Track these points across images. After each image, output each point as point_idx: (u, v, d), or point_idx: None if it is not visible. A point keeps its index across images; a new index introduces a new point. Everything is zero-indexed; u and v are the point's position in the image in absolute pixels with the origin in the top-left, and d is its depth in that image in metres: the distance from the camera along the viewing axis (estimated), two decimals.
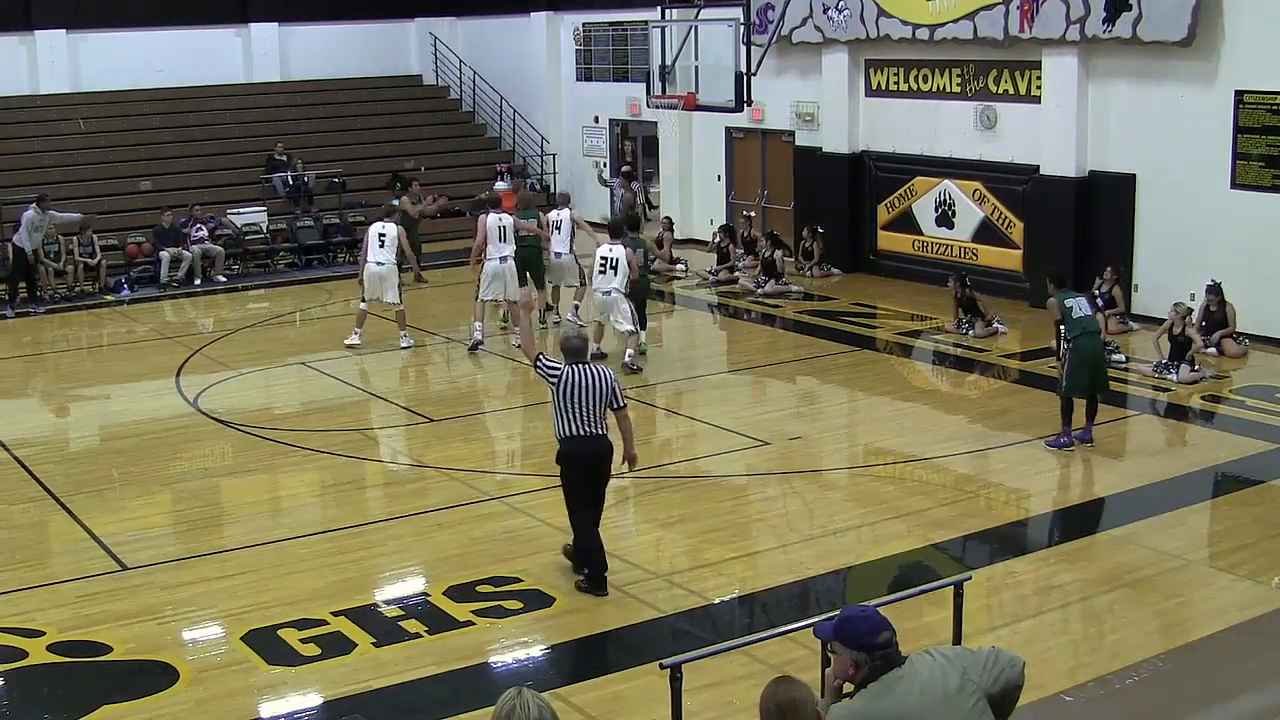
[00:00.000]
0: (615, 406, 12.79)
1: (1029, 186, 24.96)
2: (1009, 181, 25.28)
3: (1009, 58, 24.74)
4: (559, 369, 12.63)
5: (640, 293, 21.60)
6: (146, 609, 12.84)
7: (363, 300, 22.82)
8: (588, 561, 12.89)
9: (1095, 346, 16.84)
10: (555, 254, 23.47)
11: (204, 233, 30.19)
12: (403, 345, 22.75)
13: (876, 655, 6.44)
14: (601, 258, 20.87)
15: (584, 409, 12.60)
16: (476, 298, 22.69)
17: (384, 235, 22.62)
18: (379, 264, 22.47)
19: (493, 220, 22.51)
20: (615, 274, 20.67)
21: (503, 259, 22.44)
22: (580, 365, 12.70)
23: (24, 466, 17.38)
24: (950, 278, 23.62)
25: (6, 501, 16.17)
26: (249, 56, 38.29)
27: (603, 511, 13.15)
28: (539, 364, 12.75)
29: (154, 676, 11.42)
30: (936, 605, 11.06)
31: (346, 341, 22.84)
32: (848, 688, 6.57)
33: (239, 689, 11.20)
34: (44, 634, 12.30)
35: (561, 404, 12.61)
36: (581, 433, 12.64)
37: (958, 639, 9.89)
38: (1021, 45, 24.28)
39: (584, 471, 12.80)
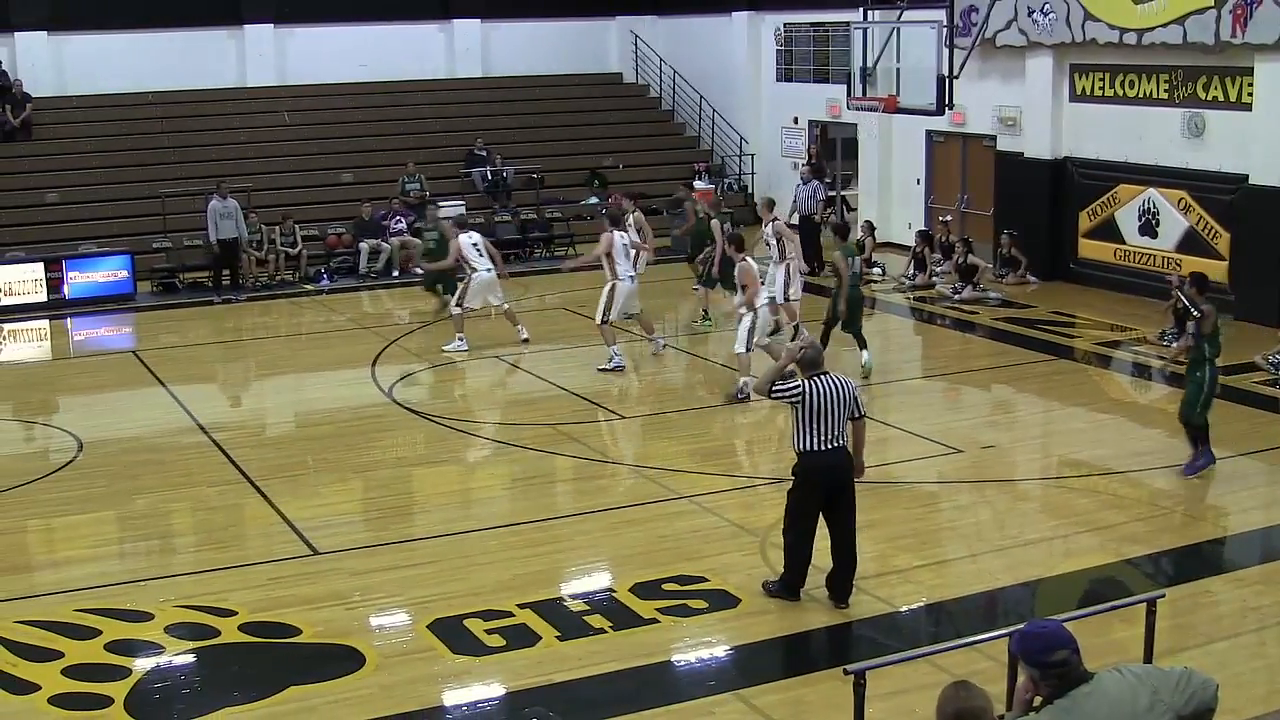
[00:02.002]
0: (857, 415, 12.53)
1: (1237, 196, 24.35)
2: (1216, 191, 24.68)
3: (1219, 63, 24.16)
4: (798, 385, 12.36)
5: (853, 304, 20.94)
6: (335, 594, 13.09)
7: (459, 306, 22.79)
8: (800, 572, 12.67)
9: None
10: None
11: (403, 225, 30.68)
12: (521, 338, 23.03)
13: (1051, 673, 6.35)
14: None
15: (829, 421, 12.29)
16: (602, 320, 21.49)
17: (477, 244, 22.87)
18: (487, 270, 22.65)
19: (618, 239, 21.77)
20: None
21: (633, 278, 21.69)
22: (822, 376, 12.42)
23: (221, 450, 17.84)
24: (1173, 287, 23.02)
25: (203, 484, 16.61)
26: (451, 52, 38.85)
27: (855, 528, 12.68)
28: (774, 393, 12.56)
29: (341, 660, 11.64)
30: (1127, 622, 10.85)
31: (447, 347, 22.82)
32: (1037, 701, 6.48)
33: (423, 676, 11.37)
34: (236, 614, 12.61)
35: (807, 418, 12.29)
36: (827, 447, 12.31)
37: (1148, 657, 9.69)
38: (1233, 50, 23.69)
39: (827, 487, 12.42)
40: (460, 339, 22.56)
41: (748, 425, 19.41)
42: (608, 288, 21.39)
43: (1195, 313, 15.78)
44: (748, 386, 19.06)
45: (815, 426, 12.24)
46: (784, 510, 12.72)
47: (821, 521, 12.53)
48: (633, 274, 21.80)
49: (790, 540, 12.65)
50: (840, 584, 12.52)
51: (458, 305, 22.60)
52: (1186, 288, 16.47)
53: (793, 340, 20.28)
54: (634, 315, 22.09)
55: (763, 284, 20.45)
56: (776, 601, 12.65)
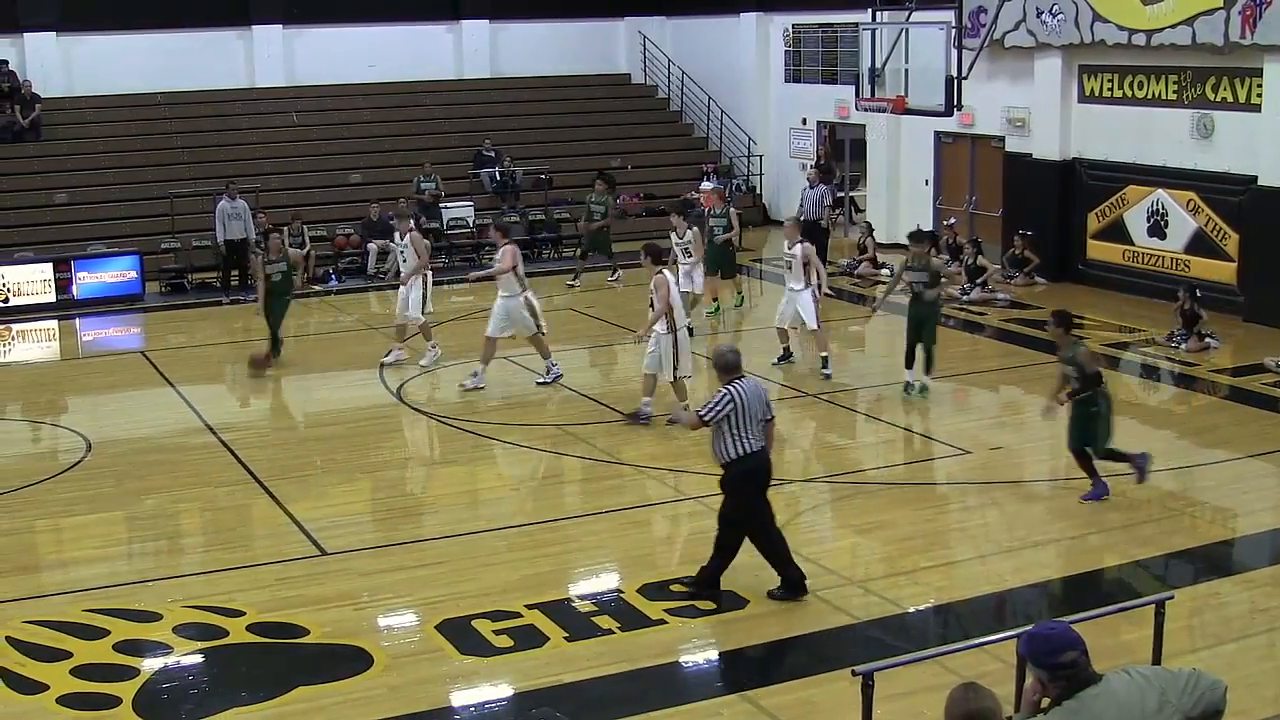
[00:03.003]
0: (768, 416, 12.65)
1: (1245, 198, 24.31)
2: (1225, 192, 24.64)
3: (1228, 64, 24.12)
4: (726, 394, 12.36)
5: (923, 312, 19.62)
6: (343, 594, 13.11)
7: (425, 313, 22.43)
8: (787, 568, 12.74)
9: None
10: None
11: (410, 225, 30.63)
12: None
13: (1059, 675, 6.34)
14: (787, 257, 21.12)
15: (754, 422, 12.44)
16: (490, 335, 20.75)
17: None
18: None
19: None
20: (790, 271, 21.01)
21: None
22: (742, 379, 12.55)
23: (230, 450, 17.87)
24: (1181, 289, 23.01)
25: (211, 484, 16.63)
26: (459, 53, 38.87)
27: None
28: (708, 417, 12.39)
29: (349, 661, 11.66)
30: (1136, 624, 10.85)
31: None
32: (1045, 703, 6.47)
33: (431, 677, 11.38)
34: (244, 614, 12.63)
35: (737, 423, 12.34)
36: (754, 449, 12.45)
37: (1157, 659, 9.68)
38: (1242, 51, 23.65)
39: (761, 487, 12.65)
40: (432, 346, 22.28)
41: None
42: (521, 300, 20.64)
43: (1071, 366, 15.32)
44: (648, 408, 18.54)
45: (743, 430, 12.37)
46: (723, 523, 12.76)
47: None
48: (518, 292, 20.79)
49: (732, 542, 12.72)
50: (790, 565, 12.71)
51: (422, 312, 22.17)
52: (1052, 327, 15.91)
53: (824, 369, 20.74)
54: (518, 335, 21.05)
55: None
56: (784, 603, 12.65)
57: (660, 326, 18.24)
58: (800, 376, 21.83)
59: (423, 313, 22.06)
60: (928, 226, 30.35)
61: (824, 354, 20.90)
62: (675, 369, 18.24)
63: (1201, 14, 24.01)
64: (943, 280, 19.90)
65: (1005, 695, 8.83)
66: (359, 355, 23.04)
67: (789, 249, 21.04)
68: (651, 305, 18.36)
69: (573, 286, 28.48)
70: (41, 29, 34.14)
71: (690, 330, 23.18)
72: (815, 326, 20.70)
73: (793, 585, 12.67)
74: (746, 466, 12.43)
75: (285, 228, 29.71)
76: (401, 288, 22.10)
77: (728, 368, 12.62)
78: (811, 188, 29.38)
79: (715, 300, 25.66)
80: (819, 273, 21.33)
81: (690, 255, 23.81)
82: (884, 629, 12.25)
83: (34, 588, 13.56)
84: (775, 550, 12.72)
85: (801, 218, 28.54)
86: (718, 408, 12.29)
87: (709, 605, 12.66)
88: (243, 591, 13.20)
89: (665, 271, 18.81)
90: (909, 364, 19.67)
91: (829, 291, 22.52)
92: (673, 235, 23.95)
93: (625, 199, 35.22)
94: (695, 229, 24.29)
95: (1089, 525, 14.64)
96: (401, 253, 22.32)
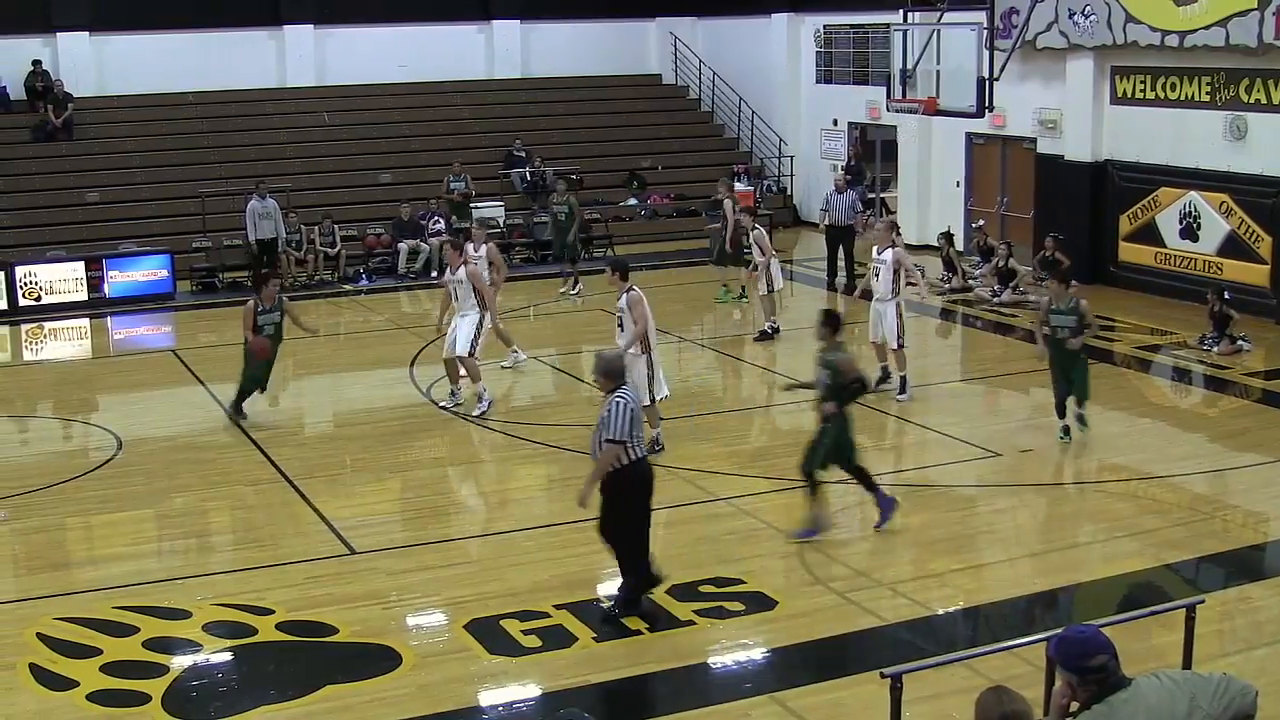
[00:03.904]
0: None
1: (1278, 200, 24.18)
2: (1258, 194, 24.51)
3: (1262, 66, 23.98)
4: (620, 401, 12.09)
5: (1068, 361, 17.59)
6: (372, 593, 13.13)
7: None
8: (646, 583, 12.56)
9: None
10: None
11: (441, 225, 30.76)
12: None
13: (1089, 678, 6.32)
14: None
15: (639, 427, 12.29)
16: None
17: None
18: None
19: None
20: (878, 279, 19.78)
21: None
22: (624, 386, 12.38)
23: (260, 449, 17.92)
24: (1210, 290, 22.92)
25: (242, 482, 16.69)
26: (490, 53, 38.91)
27: None
28: (619, 439, 12.03)
29: (377, 660, 11.67)
30: (1166, 628, 10.80)
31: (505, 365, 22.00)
32: (1074, 707, 6.45)
33: (460, 676, 11.39)
34: (273, 612, 12.67)
35: (633, 430, 12.15)
36: (643, 454, 12.33)
37: (1187, 663, 9.63)
38: (1276, 53, 23.50)
39: (646, 494, 12.46)
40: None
41: (786, 428, 19.39)
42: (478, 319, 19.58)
43: (827, 370, 14.49)
44: (661, 437, 17.26)
45: (636, 433, 12.18)
46: (618, 525, 12.42)
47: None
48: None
49: (636, 547, 12.49)
50: (650, 577, 12.61)
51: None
52: (818, 326, 14.94)
53: (900, 393, 19.57)
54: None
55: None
56: (813, 604, 12.64)
57: (634, 348, 16.88)
58: None
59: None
60: (958, 229, 30.31)
61: (902, 374, 19.64)
62: (651, 392, 16.96)
63: (1235, 15, 23.88)
64: (1089, 326, 17.51)
65: (1034, 699, 8.79)
66: (389, 355, 23.07)
67: (878, 254, 19.85)
68: (620, 325, 17.19)
69: (564, 294, 28.22)
70: (74, 29, 34.29)
71: (777, 330, 23.34)
72: (896, 346, 19.56)
73: (633, 602, 12.46)
74: (640, 470, 12.25)
75: (317, 226, 29.83)
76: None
77: (615, 375, 12.36)
78: (840, 192, 29.02)
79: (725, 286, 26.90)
80: (915, 277, 20.41)
81: (759, 255, 23.70)
82: (913, 631, 12.22)
83: (64, 585, 13.60)
84: (642, 558, 12.52)
85: (828, 222, 28.58)
86: (624, 420, 12.00)
87: (738, 606, 12.65)
88: (272, 590, 13.24)
89: (636, 288, 17.32)
90: (1060, 413, 17.63)
91: (919, 291, 21.66)
92: (742, 239, 23.95)
93: (655, 199, 35.25)
94: (760, 229, 24.24)
95: (1119, 528, 14.58)
96: (476, 263, 21.65)
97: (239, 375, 19.14)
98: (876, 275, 19.75)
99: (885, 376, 19.85)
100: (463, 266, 19.62)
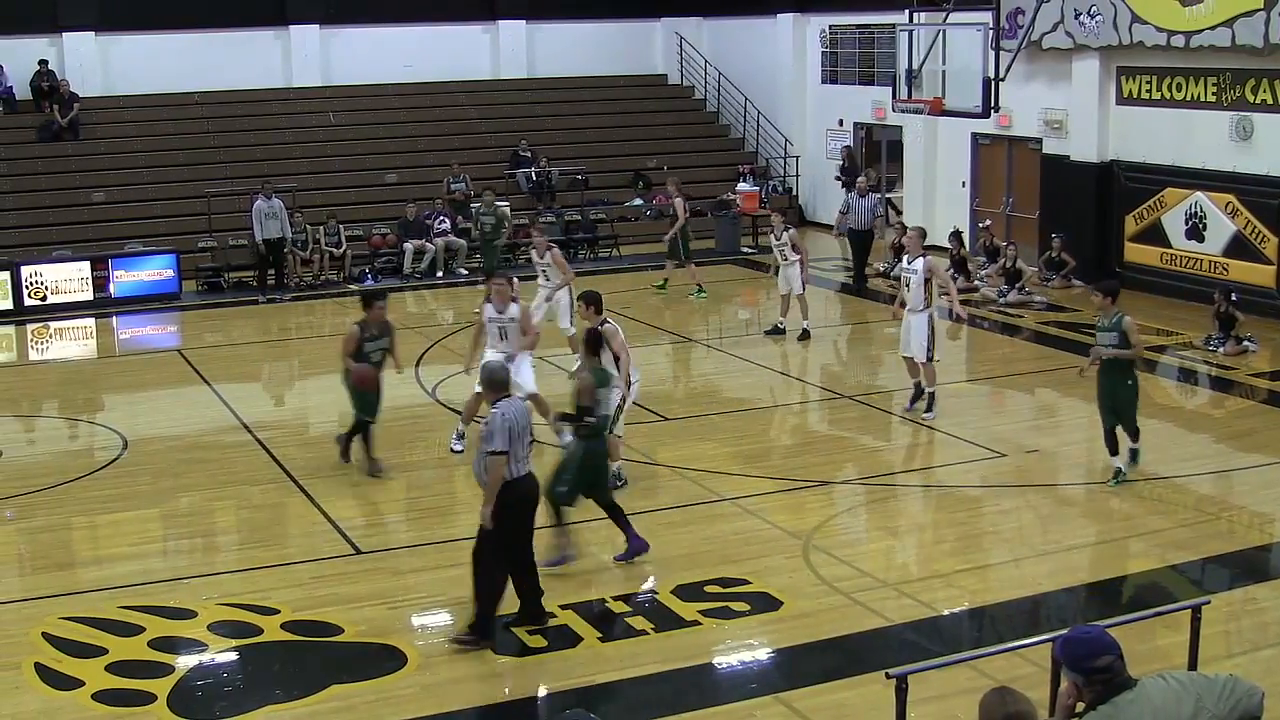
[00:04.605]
0: (531, 439, 12.05)
1: None
2: (1264, 195, 24.49)
3: (1268, 66, 23.96)
4: (499, 413, 11.64)
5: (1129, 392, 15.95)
6: (378, 593, 13.13)
7: None
8: (493, 606, 11.95)
9: None
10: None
11: (446, 225, 30.79)
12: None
13: (1095, 679, 6.31)
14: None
15: (521, 445, 11.80)
16: None
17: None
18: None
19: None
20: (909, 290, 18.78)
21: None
22: (509, 400, 11.95)
23: (265, 448, 17.94)
24: (1216, 291, 22.90)
25: (247, 482, 16.69)
26: (496, 53, 38.92)
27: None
28: (496, 451, 11.56)
29: (382, 660, 11.68)
30: (1172, 629, 10.79)
31: None
32: (1080, 708, 6.45)
33: (465, 676, 11.40)
34: (278, 612, 12.67)
35: (514, 444, 11.68)
36: (522, 473, 11.83)
37: (1193, 664, 9.61)
38: None
39: (529, 513, 12.07)
40: None
41: (792, 428, 19.41)
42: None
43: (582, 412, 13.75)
44: (622, 472, 16.04)
45: (515, 451, 11.68)
46: (496, 545, 11.92)
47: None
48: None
49: (498, 577, 11.93)
50: (535, 601, 12.23)
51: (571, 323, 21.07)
52: (584, 345, 14.56)
53: (927, 410, 18.68)
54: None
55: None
56: (818, 604, 12.63)
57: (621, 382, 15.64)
58: (835, 377, 21.84)
59: (570, 323, 21.13)
60: (964, 228, 30.26)
61: (930, 390, 18.68)
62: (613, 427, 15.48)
63: (1241, 15, 23.86)
64: (1132, 346, 15.62)
65: (1040, 699, 8.79)
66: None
67: (909, 263, 18.82)
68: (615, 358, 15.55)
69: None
70: (80, 29, 34.32)
71: (807, 333, 23.29)
72: (925, 360, 18.58)
73: (484, 631, 11.91)
74: (517, 492, 11.79)
75: (322, 226, 29.85)
76: (547, 302, 21.52)
77: (498, 385, 11.96)
78: (862, 196, 28.57)
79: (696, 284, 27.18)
80: (951, 289, 19.41)
81: (786, 257, 23.53)
82: (918, 632, 12.22)
83: (70, 584, 13.61)
84: (500, 592, 11.99)
85: (850, 226, 28.44)
86: (502, 433, 11.55)
87: (744, 606, 12.63)
88: (277, 589, 13.24)
89: (611, 320, 16.09)
90: (1110, 448, 16.10)
91: (961, 314, 20.35)
92: (770, 235, 23.89)
93: (660, 199, 35.22)
94: (793, 229, 24.18)
95: (1124, 529, 14.58)
96: (545, 271, 21.46)
97: (349, 410, 17.36)
98: (908, 286, 18.74)
99: (919, 394, 19.00)
100: (513, 304, 17.56)
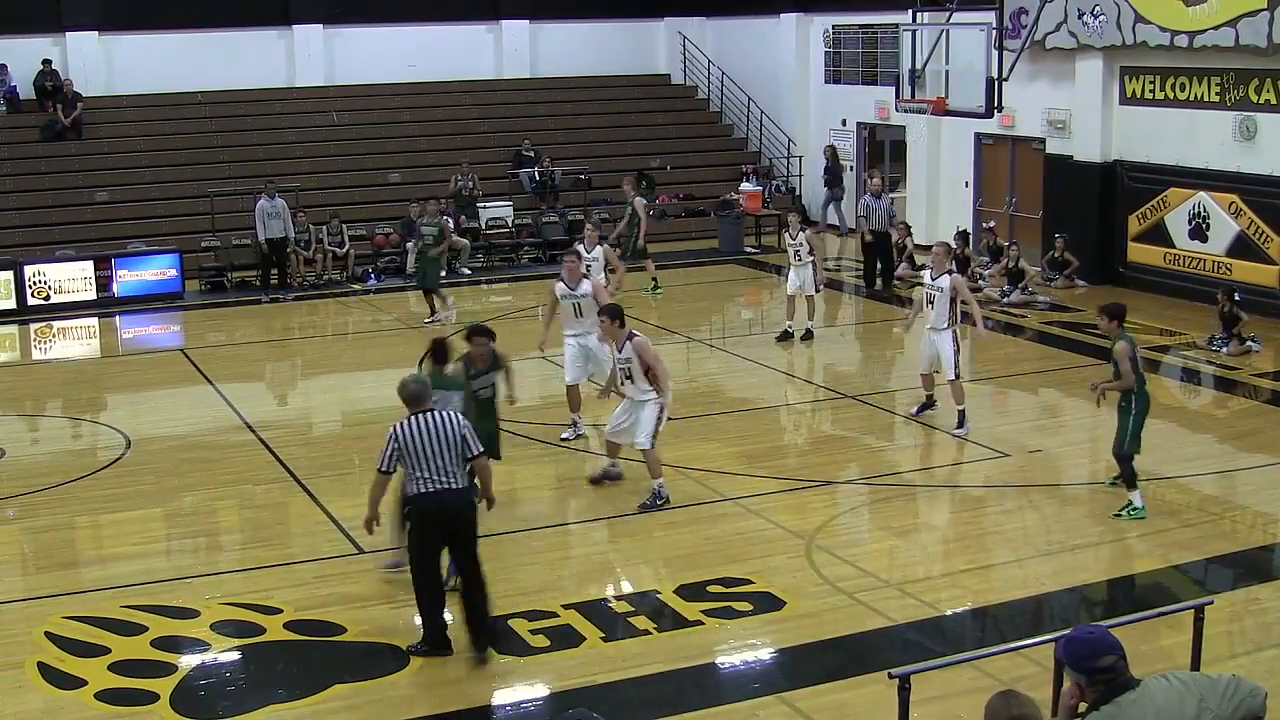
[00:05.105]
0: (470, 454, 11.56)
1: None
2: (1267, 195, 24.47)
3: (1272, 66, 23.95)
4: (390, 433, 11.51)
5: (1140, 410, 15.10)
6: (380, 593, 13.12)
7: None
8: (431, 617, 11.77)
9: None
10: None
11: (450, 225, 30.77)
12: None
13: (1098, 679, 6.31)
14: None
15: (432, 461, 11.38)
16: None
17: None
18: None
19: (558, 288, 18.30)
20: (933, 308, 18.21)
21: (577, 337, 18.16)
22: (417, 416, 11.54)
23: (268, 448, 17.94)
24: (1220, 290, 22.89)
25: (250, 481, 16.70)
26: (499, 53, 38.93)
27: (481, 565, 11.82)
28: (379, 469, 11.59)
29: (384, 660, 11.68)
30: (1175, 629, 10.78)
31: None
32: (1082, 708, 6.44)
33: (467, 676, 11.40)
34: (281, 612, 12.68)
35: (411, 463, 11.42)
36: (431, 489, 11.42)
37: (1196, 665, 9.61)
38: None
39: (441, 529, 11.61)
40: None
41: (794, 428, 19.40)
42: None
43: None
44: (664, 489, 15.37)
45: (418, 469, 11.41)
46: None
47: None
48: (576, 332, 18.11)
49: (421, 592, 11.72)
50: (474, 629, 11.73)
51: None
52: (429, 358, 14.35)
53: (959, 426, 18.05)
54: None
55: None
56: (821, 604, 12.63)
57: (649, 392, 15.31)
58: (839, 376, 21.82)
59: None
60: (967, 227, 30.25)
61: (960, 408, 18.07)
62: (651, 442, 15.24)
63: (1244, 15, 23.85)
64: (1122, 374, 14.87)
65: (1043, 699, 8.79)
66: (397, 354, 23.03)
67: (933, 279, 18.20)
68: (629, 376, 15.36)
69: (430, 323, 25.40)
70: (83, 28, 34.35)
71: (810, 333, 23.26)
72: (954, 376, 18.01)
73: (438, 642, 11.75)
74: (420, 508, 11.52)
75: (325, 226, 29.87)
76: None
77: (408, 399, 11.69)
78: (877, 198, 28.26)
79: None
80: (974, 309, 18.43)
81: (800, 258, 23.25)
82: (921, 632, 12.21)
83: (73, 584, 13.61)
84: (433, 602, 11.77)
85: (869, 228, 28.25)
86: (384, 451, 11.48)
87: (746, 606, 12.64)
88: (280, 589, 13.25)
89: (637, 332, 15.67)
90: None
91: (988, 328, 19.60)
92: (785, 235, 23.76)
93: (664, 199, 35.23)
94: (808, 230, 24.05)
95: (1128, 529, 14.55)
96: (590, 266, 20.92)
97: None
98: (931, 303, 18.14)
99: (929, 405, 18.72)
100: (585, 280, 17.93)
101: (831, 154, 35.43)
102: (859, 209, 29.64)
